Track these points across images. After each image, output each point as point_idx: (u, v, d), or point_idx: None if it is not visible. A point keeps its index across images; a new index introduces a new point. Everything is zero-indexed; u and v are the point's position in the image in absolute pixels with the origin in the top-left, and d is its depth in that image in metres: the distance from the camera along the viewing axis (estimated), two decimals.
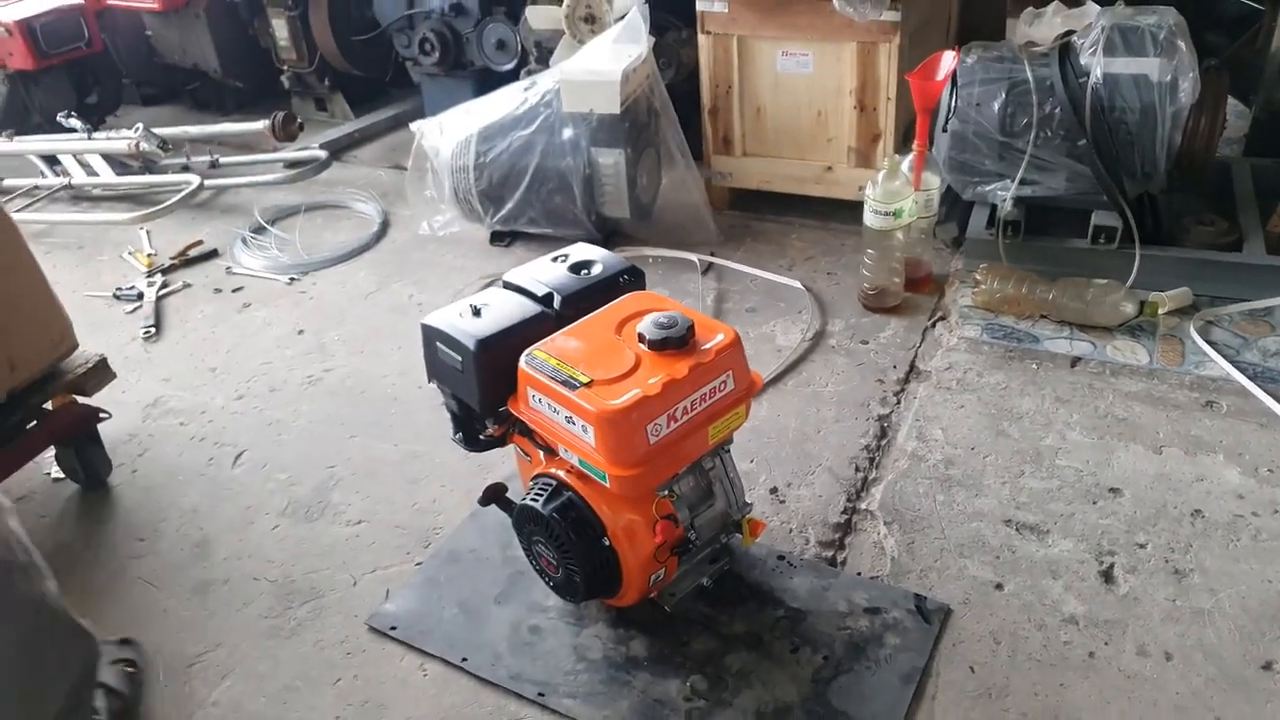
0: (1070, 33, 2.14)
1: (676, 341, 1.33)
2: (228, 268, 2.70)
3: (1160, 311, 2.03)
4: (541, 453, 1.46)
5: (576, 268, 1.54)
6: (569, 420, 1.32)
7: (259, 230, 2.85)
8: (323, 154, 3.10)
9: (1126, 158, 2.09)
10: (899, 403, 1.96)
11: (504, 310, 1.46)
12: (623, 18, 2.46)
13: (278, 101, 3.57)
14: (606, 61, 2.34)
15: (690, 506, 1.45)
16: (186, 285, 2.63)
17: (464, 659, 1.49)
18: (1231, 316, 2.04)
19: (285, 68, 3.58)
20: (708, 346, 1.35)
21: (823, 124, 2.49)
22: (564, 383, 1.31)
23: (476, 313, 1.45)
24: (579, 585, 1.43)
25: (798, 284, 2.34)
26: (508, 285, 1.55)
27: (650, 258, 2.54)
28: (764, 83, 2.51)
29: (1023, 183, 2.17)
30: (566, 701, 1.41)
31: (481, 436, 1.55)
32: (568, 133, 2.43)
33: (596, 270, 1.53)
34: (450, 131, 2.55)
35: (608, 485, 1.31)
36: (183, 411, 2.12)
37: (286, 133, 3.03)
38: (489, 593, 1.61)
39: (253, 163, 3.20)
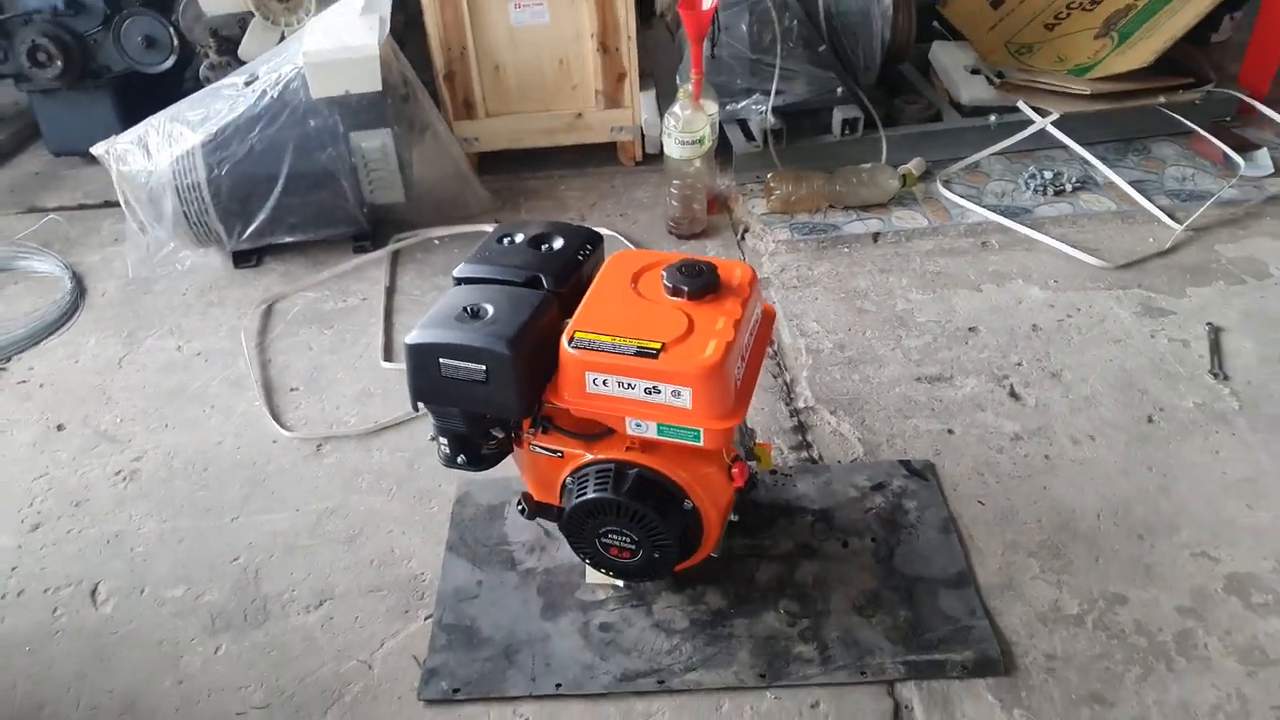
0: None
1: (714, 285, 1.32)
2: None
3: (915, 181, 2.39)
4: (579, 443, 1.36)
5: (535, 243, 1.43)
6: (650, 391, 1.25)
7: None
8: None
9: (854, 56, 2.39)
10: None
11: (505, 303, 1.30)
12: None
13: None
14: (353, 34, 2.09)
15: None
16: None
17: (558, 685, 1.36)
18: (959, 173, 2.47)
19: None
20: (737, 283, 1.35)
21: (566, 72, 2.48)
22: (637, 354, 1.23)
23: (475, 314, 1.29)
24: (666, 559, 1.37)
25: (605, 230, 2.34)
26: (465, 281, 1.39)
27: (437, 240, 2.37)
28: (499, 38, 2.42)
29: (776, 94, 2.38)
30: (690, 676, 1.37)
31: (485, 451, 1.39)
32: (315, 122, 2.15)
33: (559, 242, 1.43)
34: (159, 149, 2.11)
35: (700, 443, 1.27)
36: None
37: None
38: (531, 613, 1.47)
39: None
